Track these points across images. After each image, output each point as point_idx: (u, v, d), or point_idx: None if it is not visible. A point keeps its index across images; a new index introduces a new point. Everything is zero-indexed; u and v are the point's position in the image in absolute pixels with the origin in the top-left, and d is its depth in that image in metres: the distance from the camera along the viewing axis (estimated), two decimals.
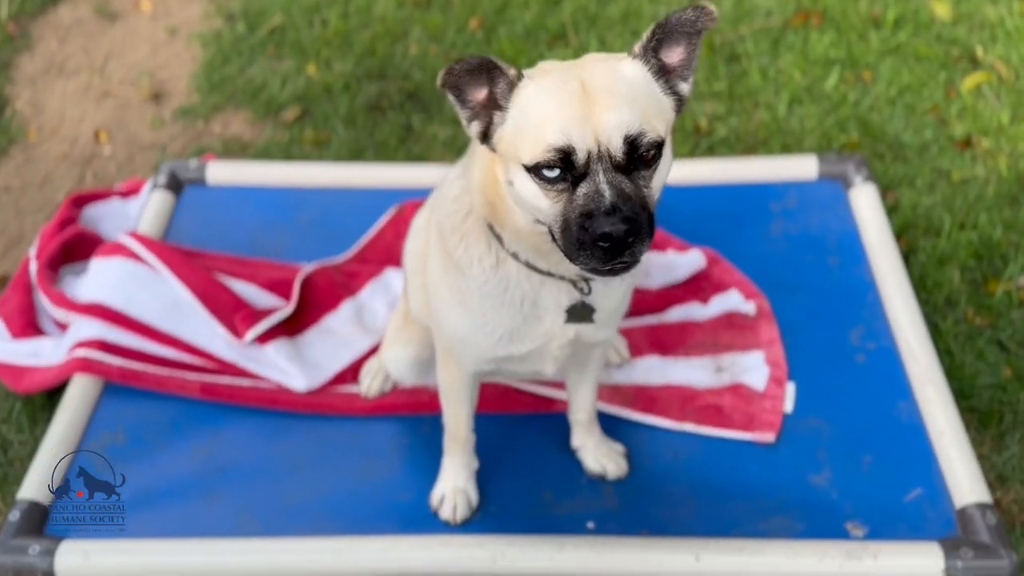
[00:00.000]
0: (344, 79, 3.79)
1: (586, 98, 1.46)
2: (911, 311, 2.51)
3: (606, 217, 1.42)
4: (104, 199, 3.14)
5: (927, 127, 3.44)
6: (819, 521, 2.14)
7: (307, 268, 2.72)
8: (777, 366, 2.46)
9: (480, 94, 1.56)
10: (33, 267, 2.77)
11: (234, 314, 2.51)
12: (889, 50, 3.77)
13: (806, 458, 2.28)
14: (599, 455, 2.27)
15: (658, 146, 1.50)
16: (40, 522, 2.12)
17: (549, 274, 1.71)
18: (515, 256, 1.69)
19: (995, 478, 2.39)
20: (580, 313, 1.78)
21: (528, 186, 1.52)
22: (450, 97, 1.56)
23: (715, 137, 3.43)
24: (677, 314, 2.62)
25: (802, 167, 2.96)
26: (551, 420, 2.39)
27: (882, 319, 2.55)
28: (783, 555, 2.03)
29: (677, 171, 3.01)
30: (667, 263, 2.73)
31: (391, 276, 2.72)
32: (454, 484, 2.19)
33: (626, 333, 2.56)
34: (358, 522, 2.16)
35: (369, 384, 2.46)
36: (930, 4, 3.95)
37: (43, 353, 2.57)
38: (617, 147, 1.46)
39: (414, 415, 2.43)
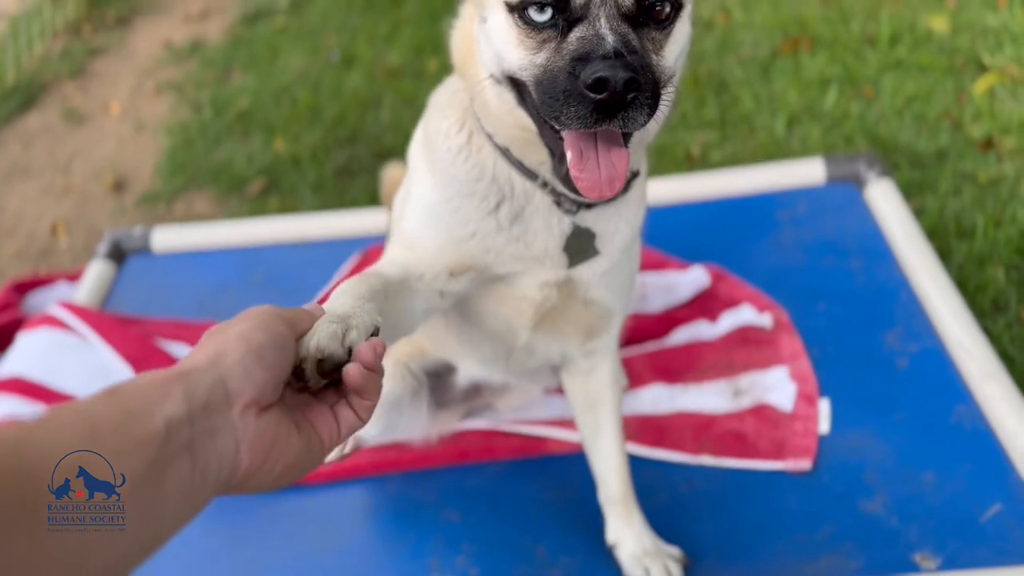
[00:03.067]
0: (312, 149, 3.58)
1: None
2: (954, 304, 2.13)
3: (604, 60, 1.11)
4: (50, 284, 2.87)
5: (942, 132, 3.14)
6: (879, 556, 1.70)
7: None
8: (805, 381, 2.07)
9: None
10: None
11: None
12: (889, 65, 3.52)
13: (853, 484, 1.85)
14: (639, 553, 1.70)
15: (675, 2, 1.21)
16: None
17: (521, 166, 1.38)
18: (491, 139, 1.38)
19: None
20: (581, 242, 1.41)
21: (504, 30, 1.23)
22: None
23: (709, 163, 3.15)
24: (682, 336, 2.25)
25: (808, 172, 2.64)
26: (543, 464, 2.00)
27: (921, 317, 2.16)
28: None
29: (669, 189, 2.73)
30: (666, 284, 2.38)
31: None
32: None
33: (625, 361, 2.19)
34: None
35: None
36: (925, 19, 3.73)
37: None
38: None
39: (378, 475, 2.04)
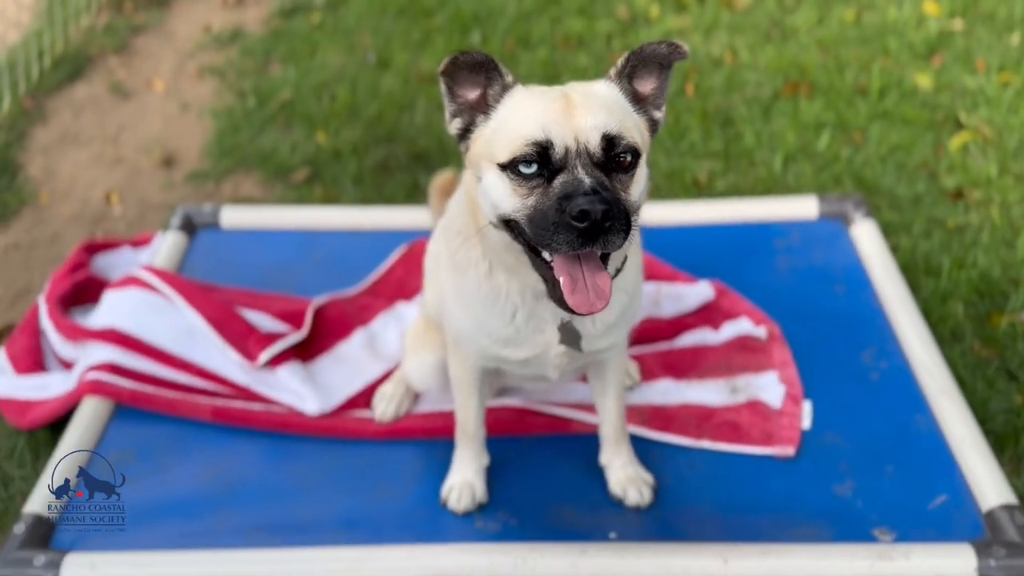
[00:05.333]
0: (352, 144, 3.90)
1: (567, 104, 1.59)
2: (921, 331, 2.54)
3: (585, 196, 1.48)
4: (115, 248, 3.16)
5: (919, 181, 3.55)
6: (846, 529, 2.10)
7: (319, 299, 2.73)
8: (792, 385, 2.46)
9: (472, 93, 1.69)
10: (43, 309, 2.77)
11: (247, 339, 2.51)
12: (877, 115, 3.93)
13: (828, 470, 2.25)
14: (623, 479, 2.20)
15: (635, 153, 1.60)
16: (46, 536, 2.06)
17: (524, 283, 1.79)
18: (503, 265, 1.79)
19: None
20: (568, 334, 1.85)
21: (498, 184, 1.61)
22: (443, 87, 1.68)
23: (714, 191, 3.53)
24: (689, 339, 2.63)
25: (803, 207, 3.04)
26: (570, 441, 2.37)
27: (893, 340, 2.57)
28: (813, 557, 1.98)
29: (681, 212, 3.12)
30: (676, 294, 2.76)
31: (402, 308, 2.73)
32: (463, 477, 2.19)
33: (638, 358, 2.57)
34: (371, 537, 2.10)
35: (384, 409, 2.44)
36: (912, 76, 4.16)
37: (51, 386, 2.54)
38: (595, 144, 1.56)
39: (428, 439, 2.39)
